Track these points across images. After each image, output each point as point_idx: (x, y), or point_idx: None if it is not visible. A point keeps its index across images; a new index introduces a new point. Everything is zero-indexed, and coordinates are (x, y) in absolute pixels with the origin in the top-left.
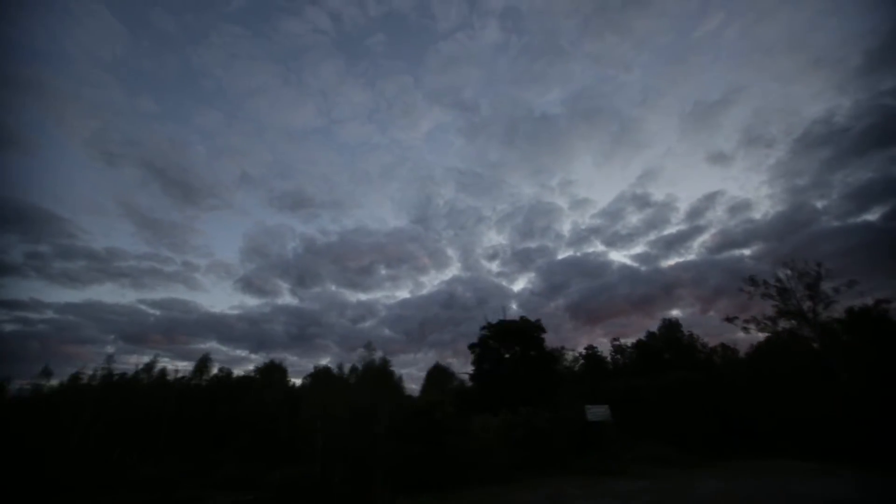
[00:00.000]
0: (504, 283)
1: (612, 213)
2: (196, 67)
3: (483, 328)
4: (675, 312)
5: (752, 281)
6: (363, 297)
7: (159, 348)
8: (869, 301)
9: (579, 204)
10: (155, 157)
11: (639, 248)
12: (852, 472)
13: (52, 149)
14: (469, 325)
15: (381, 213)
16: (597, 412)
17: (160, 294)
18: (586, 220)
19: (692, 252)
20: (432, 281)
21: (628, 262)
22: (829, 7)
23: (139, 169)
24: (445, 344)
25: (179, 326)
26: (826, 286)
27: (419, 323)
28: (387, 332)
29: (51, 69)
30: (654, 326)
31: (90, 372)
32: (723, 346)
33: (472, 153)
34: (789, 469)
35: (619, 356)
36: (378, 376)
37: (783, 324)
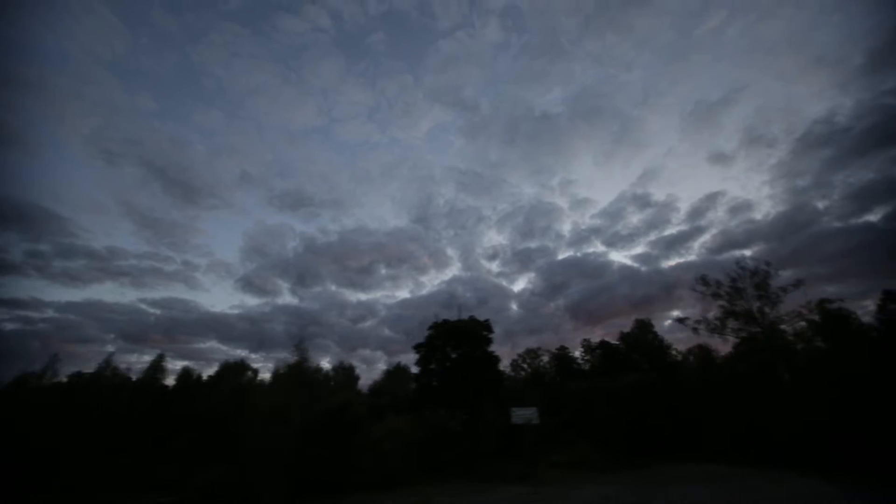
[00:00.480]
0: (504, 283)
1: (613, 214)
2: (196, 66)
3: (429, 328)
4: (675, 313)
5: (704, 281)
6: (363, 296)
7: (160, 348)
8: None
9: (580, 204)
10: (155, 156)
11: (639, 249)
12: (777, 477)
13: (52, 147)
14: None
15: (381, 212)
16: (522, 415)
17: (160, 293)
18: (587, 220)
19: (693, 253)
20: (432, 281)
21: (629, 262)
22: (832, 5)
23: (139, 168)
24: None
25: (180, 326)
26: (774, 286)
27: (419, 323)
28: (387, 331)
29: (51, 67)
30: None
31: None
32: (699, 347)
33: (472, 153)
34: (709, 475)
35: (588, 357)
36: (296, 376)
37: (732, 325)
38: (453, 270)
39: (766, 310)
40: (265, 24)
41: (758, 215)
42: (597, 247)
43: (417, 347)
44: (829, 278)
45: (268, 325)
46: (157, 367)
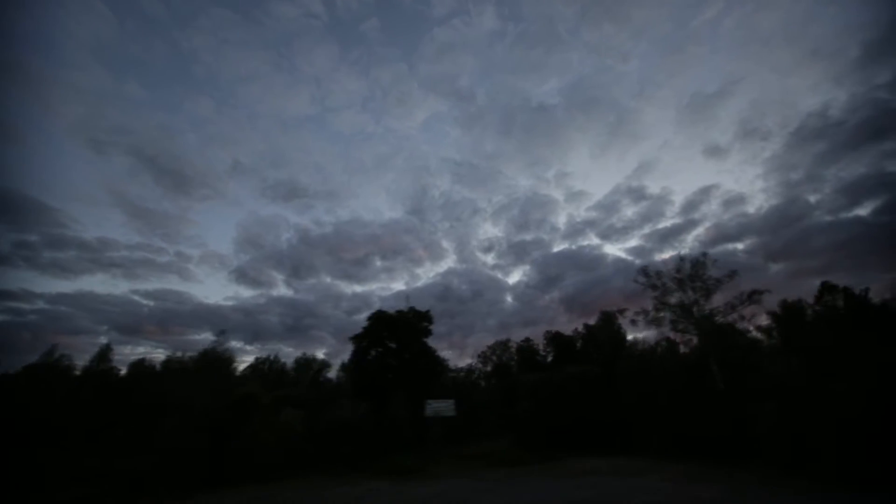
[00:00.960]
0: (499, 275)
1: (608, 206)
2: (185, 53)
3: (367, 318)
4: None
5: (644, 272)
6: (358, 288)
7: (154, 339)
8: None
9: (575, 196)
10: (145, 145)
11: (633, 242)
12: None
13: (39, 136)
14: (464, 318)
15: (376, 203)
16: (437, 407)
17: (153, 285)
18: (582, 212)
19: (686, 246)
20: (427, 273)
21: (623, 255)
22: None
23: (129, 157)
24: (441, 336)
25: (174, 318)
26: (709, 277)
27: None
28: None
29: (35, 54)
30: None
31: None
32: (668, 340)
33: (468, 143)
34: (617, 469)
35: (550, 349)
36: (203, 367)
37: (668, 316)
38: (449, 262)
39: (702, 301)
40: (256, 9)
41: (751, 209)
42: (592, 239)
43: (354, 339)
44: (820, 271)
45: (263, 317)
46: (103, 357)
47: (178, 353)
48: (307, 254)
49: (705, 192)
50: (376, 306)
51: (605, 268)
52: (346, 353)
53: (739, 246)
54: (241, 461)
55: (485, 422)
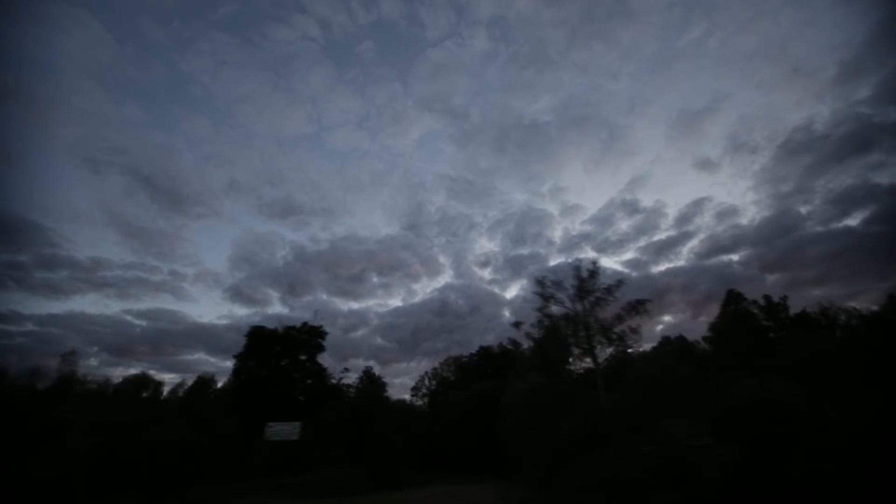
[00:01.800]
0: (496, 290)
1: (603, 220)
2: (183, 74)
3: (246, 335)
4: (666, 318)
5: (539, 282)
6: (355, 305)
7: (146, 360)
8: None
9: (570, 210)
10: (141, 165)
11: (629, 254)
12: None
13: (36, 158)
14: (462, 333)
15: (372, 220)
16: (280, 431)
17: (146, 304)
18: (577, 226)
19: (682, 258)
20: (424, 288)
21: (619, 268)
22: (805, 19)
23: (125, 177)
24: (439, 352)
25: (166, 337)
26: (598, 287)
27: (412, 331)
28: (379, 340)
29: (35, 77)
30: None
31: None
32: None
33: (462, 160)
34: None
35: (483, 364)
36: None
37: (563, 328)
38: (445, 278)
39: (592, 311)
40: (254, 32)
41: (744, 220)
42: (588, 253)
43: (237, 357)
44: (815, 282)
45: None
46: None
47: None
48: (303, 271)
49: (698, 205)
50: (373, 323)
51: (602, 281)
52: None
53: (734, 257)
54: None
55: (341, 446)
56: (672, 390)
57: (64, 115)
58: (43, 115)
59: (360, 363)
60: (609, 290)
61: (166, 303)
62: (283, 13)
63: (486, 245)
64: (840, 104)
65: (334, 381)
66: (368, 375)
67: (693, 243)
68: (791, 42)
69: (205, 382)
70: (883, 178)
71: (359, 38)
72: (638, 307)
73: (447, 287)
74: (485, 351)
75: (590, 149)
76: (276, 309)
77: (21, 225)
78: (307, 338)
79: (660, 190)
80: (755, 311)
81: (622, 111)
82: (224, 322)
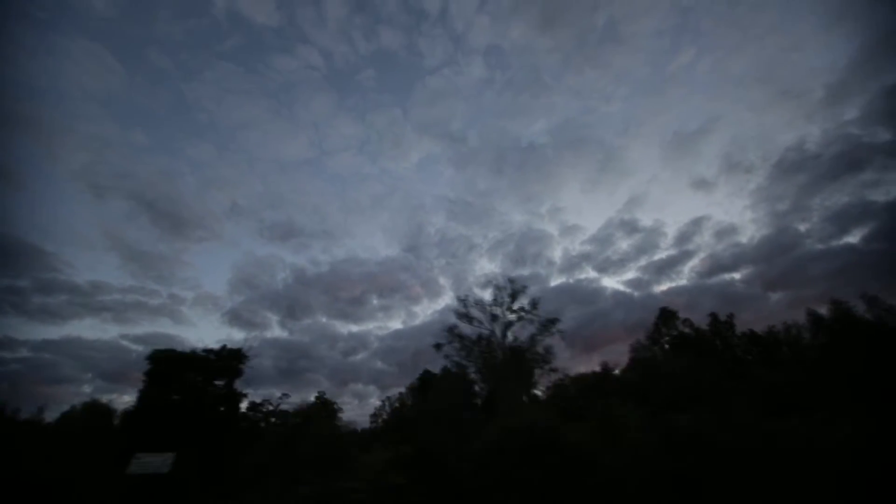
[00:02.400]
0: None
1: (602, 240)
2: (189, 102)
3: (147, 358)
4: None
5: (463, 301)
6: (355, 328)
7: (139, 386)
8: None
9: (569, 230)
10: (145, 189)
11: (631, 274)
12: None
13: (41, 182)
14: None
15: (372, 242)
16: (147, 463)
17: (144, 329)
18: (577, 246)
19: (683, 277)
20: (425, 310)
21: (621, 287)
22: (790, 43)
23: (128, 201)
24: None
25: None
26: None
27: (412, 354)
28: (379, 364)
29: (46, 105)
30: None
31: None
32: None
33: (461, 182)
34: None
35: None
36: None
37: (477, 349)
38: (446, 299)
39: (503, 331)
40: (258, 62)
41: (743, 239)
42: (588, 273)
43: (147, 374)
44: (819, 299)
45: (255, 360)
46: None
47: None
48: (303, 294)
49: (697, 224)
50: (373, 346)
51: (604, 301)
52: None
53: (736, 276)
54: None
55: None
56: None
57: (72, 142)
58: (52, 142)
59: (359, 388)
60: (525, 310)
61: (164, 327)
62: (287, 43)
63: (487, 266)
64: (830, 124)
65: (266, 410)
66: (323, 401)
67: (694, 262)
68: (778, 66)
69: (99, 409)
70: (879, 196)
71: (359, 66)
72: (548, 326)
73: (448, 308)
74: (427, 374)
75: (586, 169)
76: (276, 332)
77: (21, 249)
78: (226, 363)
79: (658, 209)
80: (687, 329)
81: (617, 133)
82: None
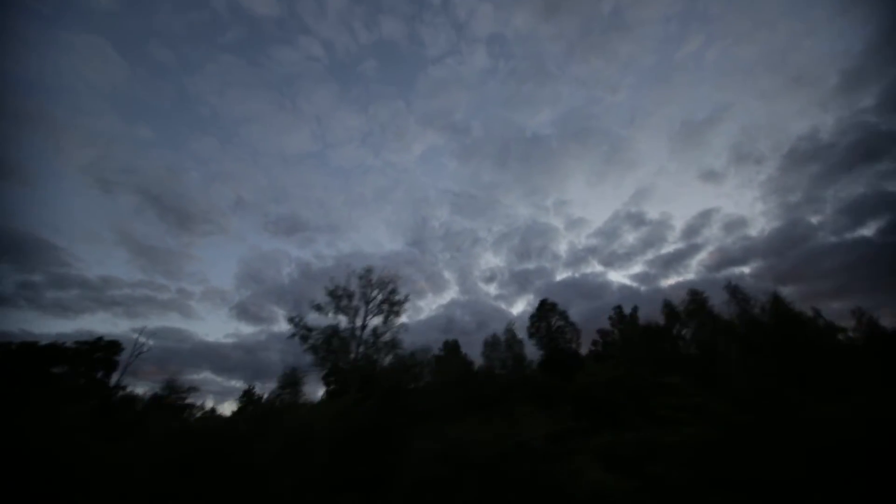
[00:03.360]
0: (503, 305)
1: (608, 233)
2: (192, 95)
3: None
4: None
5: (330, 293)
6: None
7: (151, 380)
8: None
9: (575, 224)
10: (151, 184)
11: (637, 268)
12: None
13: (50, 178)
14: (468, 349)
15: (376, 236)
16: None
17: (154, 322)
18: (583, 239)
19: (691, 271)
20: (430, 305)
21: (627, 281)
22: (803, 29)
23: (135, 196)
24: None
25: (173, 356)
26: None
27: (419, 348)
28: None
29: (51, 101)
30: None
31: None
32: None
33: (465, 175)
34: None
35: None
36: None
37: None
38: (451, 294)
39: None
40: (259, 54)
41: (753, 231)
42: (594, 267)
43: None
44: (833, 293)
45: (263, 354)
46: None
47: None
48: (308, 287)
49: (705, 216)
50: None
51: (610, 295)
52: None
53: (746, 269)
54: None
55: None
56: None
57: (79, 137)
58: (59, 137)
59: None
60: (392, 302)
61: (173, 321)
62: (288, 35)
63: (492, 260)
64: (844, 113)
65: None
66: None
67: (702, 255)
68: (791, 52)
69: None
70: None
71: (361, 57)
72: (394, 308)
73: (453, 303)
74: None
75: (592, 161)
76: (282, 327)
77: (35, 244)
78: (102, 354)
79: (665, 202)
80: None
81: (623, 123)
82: (230, 341)
